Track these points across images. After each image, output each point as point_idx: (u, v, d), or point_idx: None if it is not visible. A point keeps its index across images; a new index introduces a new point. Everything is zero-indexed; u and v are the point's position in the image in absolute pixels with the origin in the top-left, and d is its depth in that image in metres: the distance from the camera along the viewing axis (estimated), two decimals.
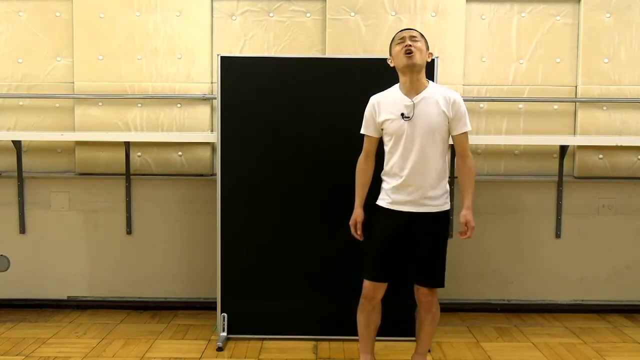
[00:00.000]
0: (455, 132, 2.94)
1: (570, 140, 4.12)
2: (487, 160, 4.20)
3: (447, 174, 3.01)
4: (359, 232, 3.06)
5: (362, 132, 3.07)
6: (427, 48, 3.01)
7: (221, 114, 3.56)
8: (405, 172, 2.91)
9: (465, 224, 2.94)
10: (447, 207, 2.97)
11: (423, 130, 2.89)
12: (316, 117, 3.57)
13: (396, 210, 2.95)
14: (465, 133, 2.95)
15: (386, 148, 2.99)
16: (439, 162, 2.91)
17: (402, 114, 2.90)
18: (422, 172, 2.90)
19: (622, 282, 4.25)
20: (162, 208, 4.20)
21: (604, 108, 4.15)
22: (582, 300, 4.25)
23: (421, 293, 2.98)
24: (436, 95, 2.92)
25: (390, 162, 2.96)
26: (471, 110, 4.14)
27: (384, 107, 2.96)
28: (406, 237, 2.93)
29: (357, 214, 3.08)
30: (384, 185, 3.01)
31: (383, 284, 2.98)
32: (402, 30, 3.03)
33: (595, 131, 4.15)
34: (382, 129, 2.99)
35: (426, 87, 2.95)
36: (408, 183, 2.91)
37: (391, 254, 2.95)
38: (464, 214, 2.94)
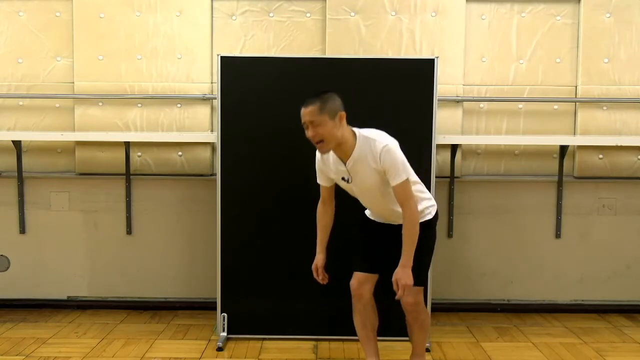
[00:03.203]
0: (391, 184, 2.75)
1: (570, 140, 4.12)
2: (487, 160, 4.20)
3: (419, 205, 2.88)
4: (320, 277, 3.03)
5: (317, 181, 3.03)
6: (332, 111, 2.73)
7: (221, 114, 3.56)
8: (370, 211, 3.03)
9: (396, 282, 2.74)
10: (425, 219, 2.91)
11: (366, 188, 2.86)
12: None
13: (374, 220, 3.03)
14: (401, 183, 2.73)
15: None
16: (397, 204, 2.82)
17: (343, 177, 2.89)
18: (384, 213, 2.95)
19: (622, 282, 4.25)
20: (162, 208, 4.20)
21: (604, 108, 4.15)
22: (582, 300, 4.25)
23: (403, 299, 2.88)
24: (365, 154, 2.76)
25: None
26: (471, 110, 4.15)
27: (328, 165, 2.92)
28: (386, 236, 2.94)
29: (318, 259, 3.04)
30: None
31: (367, 277, 2.95)
32: (303, 106, 2.79)
33: (595, 131, 4.15)
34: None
35: (354, 147, 2.78)
36: (376, 215, 3.01)
37: (374, 247, 2.96)
38: (396, 272, 2.75)
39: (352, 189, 2.91)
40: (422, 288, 2.93)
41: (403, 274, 2.72)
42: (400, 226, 2.81)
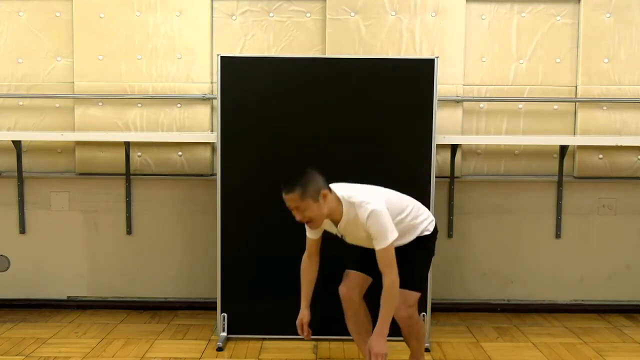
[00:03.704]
0: (375, 248, 2.72)
1: (570, 140, 4.12)
2: (487, 160, 4.20)
3: (414, 230, 2.90)
4: (304, 334, 2.98)
5: (307, 234, 2.97)
6: (314, 193, 2.69)
7: (221, 114, 3.55)
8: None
9: (369, 351, 2.68)
10: (423, 234, 2.91)
11: (359, 241, 2.86)
12: (316, 116, 3.57)
13: None
14: (385, 249, 2.69)
15: None
16: None
17: (336, 234, 2.90)
18: None
19: (622, 282, 4.25)
20: (162, 208, 4.20)
21: (604, 108, 4.15)
22: (582, 300, 4.25)
23: (396, 313, 2.86)
24: (353, 219, 2.75)
25: None
26: (471, 110, 4.15)
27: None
28: None
29: (303, 315, 2.98)
30: None
31: (356, 279, 2.95)
32: (283, 191, 2.75)
33: (595, 131, 4.15)
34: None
35: (343, 213, 2.77)
36: None
37: (366, 251, 2.90)
38: (370, 340, 2.71)
39: (345, 241, 2.93)
40: (416, 298, 2.89)
41: (377, 343, 2.67)
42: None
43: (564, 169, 4.15)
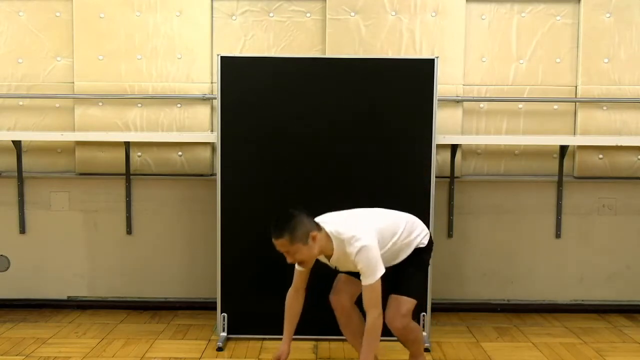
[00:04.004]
0: (362, 283, 2.71)
1: (570, 140, 4.12)
2: (487, 160, 4.20)
3: (408, 248, 2.91)
4: None
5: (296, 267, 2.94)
6: (303, 236, 2.67)
7: (221, 114, 3.55)
8: None
9: None
10: (418, 247, 2.92)
11: (352, 270, 2.84)
12: (316, 116, 3.57)
13: None
14: (371, 285, 2.67)
15: None
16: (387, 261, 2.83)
17: (329, 266, 2.89)
18: None
19: (622, 282, 4.25)
20: (162, 208, 4.20)
21: (604, 108, 4.15)
22: (582, 300, 4.25)
23: (388, 315, 2.85)
24: (344, 254, 2.74)
25: None
26: (471, 110, 4.15)
27: None
28: None
29: (282, 351, 2.94)
30: None
31: (344, 283, 2.95)
32: (272, 236, 2.72)
33: (595, 131, 4.15)
34: None
35: (334, 249, 2.76)
36: None
37: None
38: None
39: (339, 269, 2.93)
40: (410, 306, 2.87)
41: None
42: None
43: (564, 169, 4.15)
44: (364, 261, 2.67)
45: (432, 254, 3.05)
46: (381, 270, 2.69)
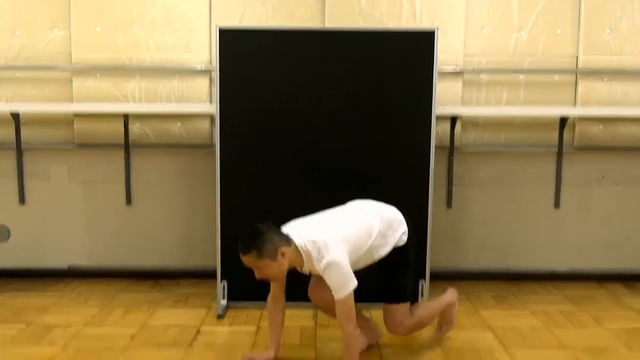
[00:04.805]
0: (334, 298, 2.62)
1: (571, 112, 4.11)
2: (487, 131, 4.19)
3: (385, 246, 2.85)
4: None
5: None
6: (271, 252, 2.59)
7: (220, 86, 3.54)
8: None
9: None
10: (398, 245, 2.87)
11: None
12: (316, 88, 3.56)
13: None
14: (342, 300, 2.59)
15: None
16: (368, 261, 2.82)
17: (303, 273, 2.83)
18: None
19: (621, 252, 4.26)
20: (162, 179, 4.20)
21: (605, 79, 4.13)
22: (581, 269, 4.27)
23: (387, 327, 2.92)
24: (313, 267, 2.68)
25: None
26: (471, 81, 4.14)
27: None
28: None
29: (269, 355, 2.89)
30: None
31: (317, 280, 2.91)
32: (240, 251, 2.65)
33: (595, 102, 4.13)
34: None
35: (304, 259, 2.67)
36: None
37: None
38: None
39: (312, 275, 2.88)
40: (405, 310, 2.90)
41: None
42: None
43: (564, 140, 4.14)
44: (333, 278, 2.59)
45: (415, 249, 2.98)
46: (352, 284, 2.59)
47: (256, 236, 2.60)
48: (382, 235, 2.84)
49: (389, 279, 2.91)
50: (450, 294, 3.18)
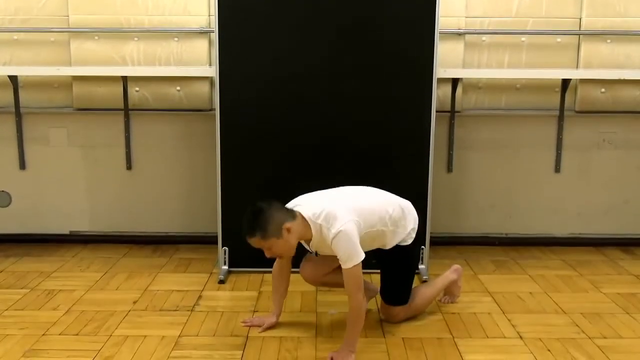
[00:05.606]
0: (342, 267, 2.57)
1: (573, 74, 4.07)
2: (488, 94, 4.16)
3: (394, 237, 2.83)
4: (249, 325, 2.91)
5: None
6: (276, 231, 2.55)
7: (219, 48, 3.49)
8: None
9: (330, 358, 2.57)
10: (404, 243, 2.86)
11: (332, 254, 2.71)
12: (316, 49, 3.51)
13: None
14: (350, 269, 2.54)
15: None
16: (374, 243, 2.80)
17: (310, 251, 2.81)
18: None
19: (620, 216, 4.28)
20: (162, 143, 4.19)
21: (608, 41, 4.08)
22: (580, 234, 4.30)
23: (384, 318, 2.99)
24: (321, 239, 2.63)
25: None
26: (473, 43, 4.08)
27: None
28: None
29: (270, 319, 2.91)
30: None
31: (308, 261, 2.95)
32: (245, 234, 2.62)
33: (598, 64, 4.09)
34: None
35: (312, 234, 2.63)
36: None
37: None
38: (335, 353, 2.58)
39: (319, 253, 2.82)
40: (402, 311, 2.95)
41: (339, 357, 2.56)
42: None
43: (565, 103, 4.12)
44: (342, 247, 2.55)
45: (418, 251, 3.07)
46: (360, 255, 2.56)
47: (258, 216, 2.57)
48: (394, 221, 2.80)
49: (389, 281, 2.94)
50: (453, 273, 3.18)
